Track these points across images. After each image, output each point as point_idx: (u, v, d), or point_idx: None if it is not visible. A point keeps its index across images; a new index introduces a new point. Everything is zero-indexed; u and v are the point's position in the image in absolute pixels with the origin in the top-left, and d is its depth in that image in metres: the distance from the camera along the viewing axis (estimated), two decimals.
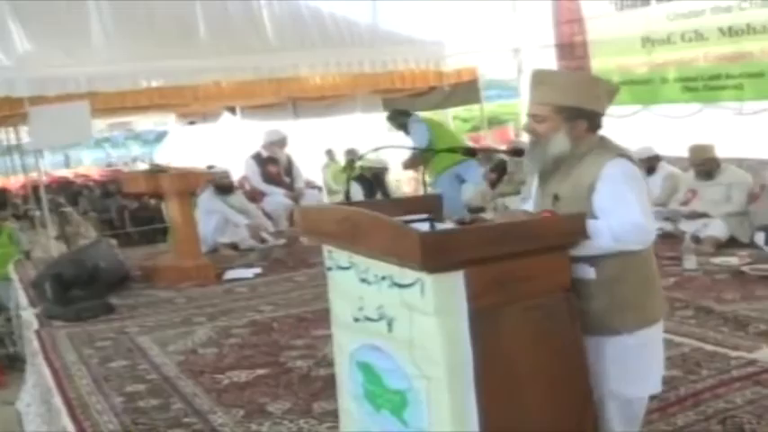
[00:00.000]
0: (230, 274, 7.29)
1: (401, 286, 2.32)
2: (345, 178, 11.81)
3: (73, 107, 8.25)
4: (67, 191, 16.02)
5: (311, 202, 9.17)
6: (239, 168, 10.24)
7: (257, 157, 9.37)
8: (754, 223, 6.81)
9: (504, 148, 7.60)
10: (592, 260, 2.60)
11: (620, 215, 2.56)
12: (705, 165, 7.14)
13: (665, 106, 9.19)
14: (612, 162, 2.67)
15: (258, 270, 7.41)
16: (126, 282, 7.20)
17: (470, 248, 2.24)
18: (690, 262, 6.17)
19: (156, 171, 7.87)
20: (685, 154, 7.53)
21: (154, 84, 9.35)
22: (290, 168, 9.55)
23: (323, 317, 5.34)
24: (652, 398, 2.99)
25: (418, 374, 2.32)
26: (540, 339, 2.41)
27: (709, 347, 4.34)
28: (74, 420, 3.97)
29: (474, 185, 8.65)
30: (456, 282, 2.24)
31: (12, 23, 8.66)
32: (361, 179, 9.86)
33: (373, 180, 9.86)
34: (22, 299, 6.83)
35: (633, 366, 2.69)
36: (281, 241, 8.69)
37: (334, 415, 3.61)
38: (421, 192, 11.22)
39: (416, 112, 9.20)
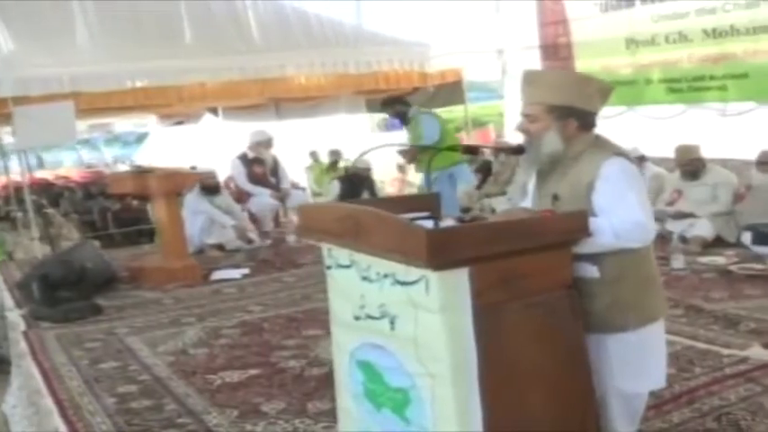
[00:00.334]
0: (217, 275, 7.26)
1: (404, 284, 2.30)
2: (328, 179, 11.81)
3: (57, 107, 8.19)
4: (48, 192, 15.85)
5: (297, 202, 9.14)
6: (222, 169, 10.19)
7: (243, 158, 9.36)
8: (739, 223, 6.89)
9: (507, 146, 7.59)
10: (595, 259, 2.62)
11: (621, 214, 2.58)
12: (691, 165, 7.20)
13: (650, 107, 9.24)
14: (610, 161, 2.68)
15: (246, 271, 7.39)
16: (112, 283, 7.15)
17: (475, 246, 2.24)
18: (678, 261, 6.23)
19: (143, 172, 7.82)
20: (670, 154, 7.58)
21: (138, 84, 9.30)
22: (275, 169, 9.54)
23: (313, 317, 5.38)
24: (649, 395, 3.01)
25: (421, 372, 2.31)
26: (542, 336, 2.42)
27: (701, 345, 4.37)
28: (66, 421, 3.93)
29: (466, 186, 8.64)
30: (461, 279, 2.24)
31: None
32: (344, 179, 9.85)
33: (357, 181, 9.82)
34: (8, 300, 6.76)
35: (633, 362, 2.72)
36: (268, 242, 8.68)
37: (329, 414, 3.62)
38: (405, 192, 11.24)
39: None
